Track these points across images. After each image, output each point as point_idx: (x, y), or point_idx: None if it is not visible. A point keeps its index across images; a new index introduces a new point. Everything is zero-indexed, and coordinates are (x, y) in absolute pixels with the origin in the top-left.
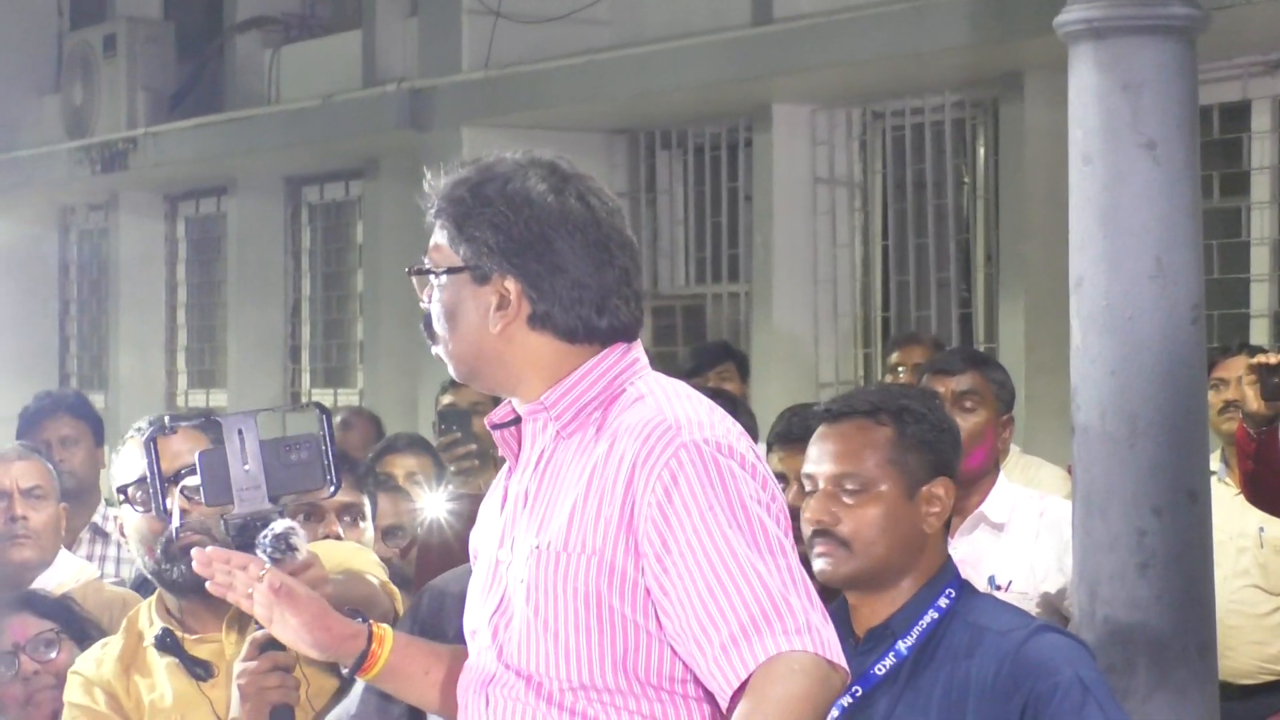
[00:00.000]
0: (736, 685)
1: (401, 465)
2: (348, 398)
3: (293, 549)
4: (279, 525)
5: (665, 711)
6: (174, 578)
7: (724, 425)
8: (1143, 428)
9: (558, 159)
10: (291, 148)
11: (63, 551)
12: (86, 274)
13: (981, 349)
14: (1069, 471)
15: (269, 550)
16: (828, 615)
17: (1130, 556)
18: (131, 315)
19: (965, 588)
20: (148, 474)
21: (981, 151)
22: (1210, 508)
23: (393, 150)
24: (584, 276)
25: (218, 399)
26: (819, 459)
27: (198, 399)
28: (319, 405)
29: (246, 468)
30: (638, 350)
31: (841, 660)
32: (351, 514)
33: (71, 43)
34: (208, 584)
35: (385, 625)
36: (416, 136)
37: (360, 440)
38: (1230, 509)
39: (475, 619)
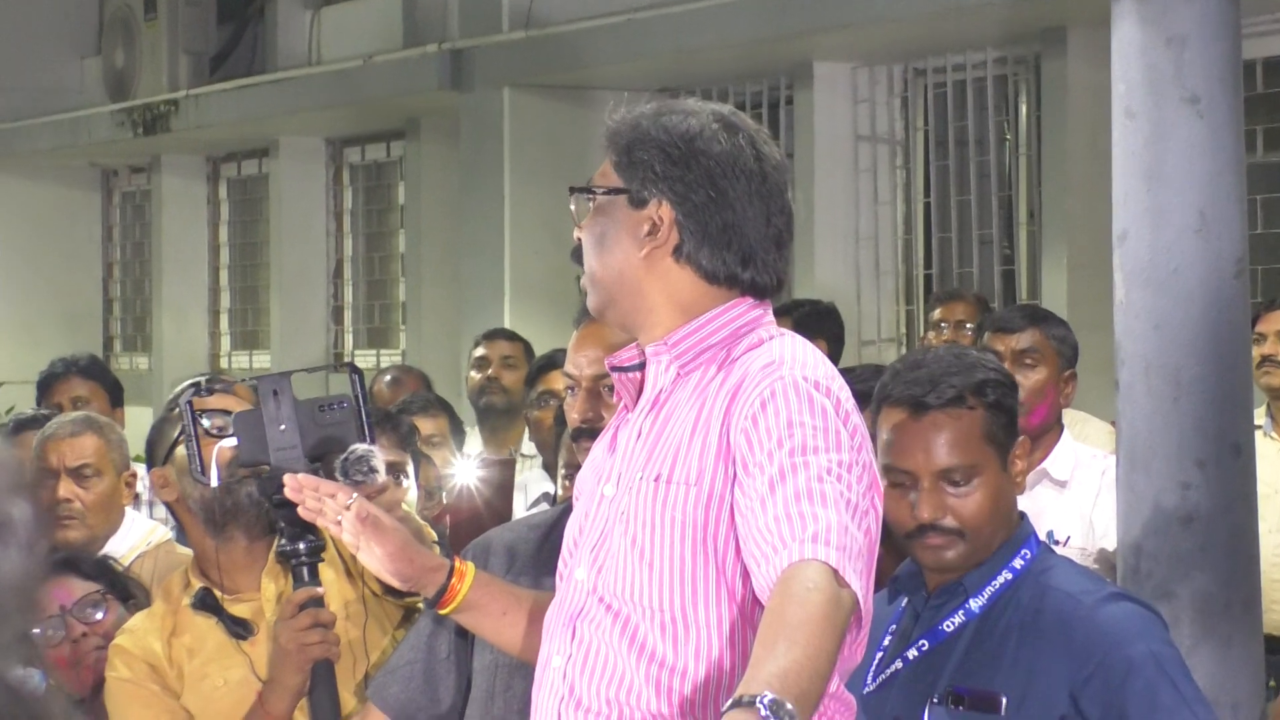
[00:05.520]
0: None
1: (419, 427)
2: (390, 358)
3: (374, 470)
4: (360, 448)
5: (746, 646)
6: (237, 501)
7: (826, 370)
8: (1186, 382)
9: (734, 111)
10: (332, 109)
11: (133, 514)
12: (129, 236)
13: None
14: (1114, 425)
15: (350, 472)
16: (872, 557)
17: (1174, 510)
18: (174, 278)
19: (1042, 548)
20: (185, 435)
21: (1024, 108)
22: (1254, 461)
23: (433, 111)
24: (740, 223)
25: (260, 361)
26: (918, 452)
27: (240, 361)
28: (351, 365)
29: (282, 428)
30: (768, 309)
31: (856, 587)
32: (394, 472)
33: (112, 5)
34: (299, 509)
35: (469, 562)
36: (457, 97)
37: None
38: (1274, 463)
39: (571, 556)
